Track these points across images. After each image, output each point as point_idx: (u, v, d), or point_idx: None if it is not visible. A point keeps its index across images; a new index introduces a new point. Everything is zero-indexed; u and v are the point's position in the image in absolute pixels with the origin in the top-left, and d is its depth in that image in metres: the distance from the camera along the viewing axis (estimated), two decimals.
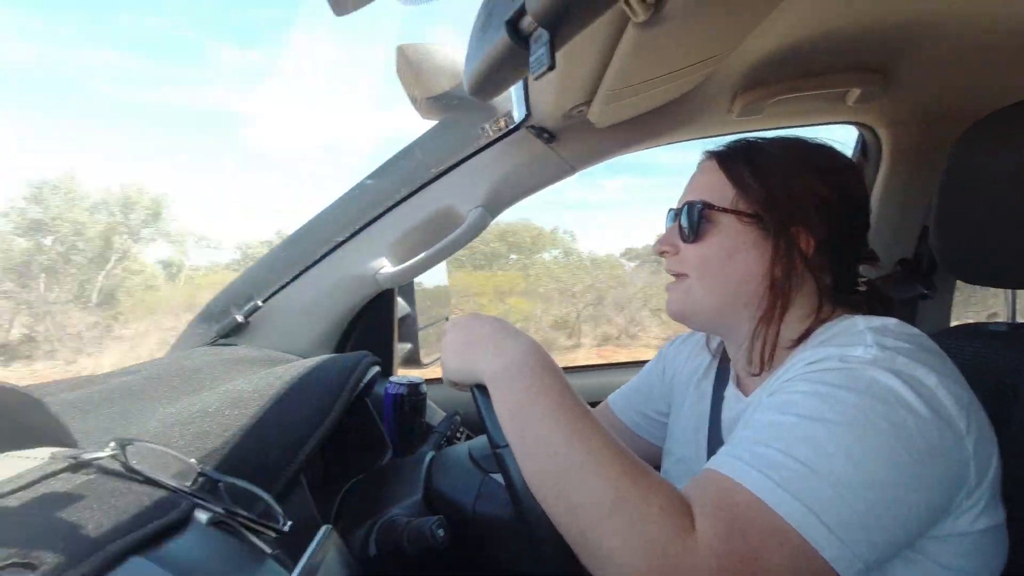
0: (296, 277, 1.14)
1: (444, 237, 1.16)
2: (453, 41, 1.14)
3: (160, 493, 0.54)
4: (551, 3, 0.36)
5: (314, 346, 1.16)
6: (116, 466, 0.55)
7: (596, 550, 0.51)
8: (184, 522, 0.53)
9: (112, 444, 0.56)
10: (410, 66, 1.14)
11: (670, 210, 0.79)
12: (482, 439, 0.89)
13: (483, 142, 1.15)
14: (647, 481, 0.52)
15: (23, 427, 0.53)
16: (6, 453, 0.52)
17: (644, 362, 1.02)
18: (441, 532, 0.70)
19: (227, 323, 1.13)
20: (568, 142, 1.16)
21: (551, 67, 0.38)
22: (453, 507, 0.80)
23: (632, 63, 0.78)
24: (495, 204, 1.19)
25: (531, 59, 0.39)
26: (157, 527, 0.49)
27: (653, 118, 1.11)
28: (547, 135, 1.14)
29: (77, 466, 0.53)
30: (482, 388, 0.63)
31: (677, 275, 0.76)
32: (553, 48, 0.37)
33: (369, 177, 1.17)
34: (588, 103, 1.00)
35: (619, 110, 1.04)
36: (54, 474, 0.51)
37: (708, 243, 0.71)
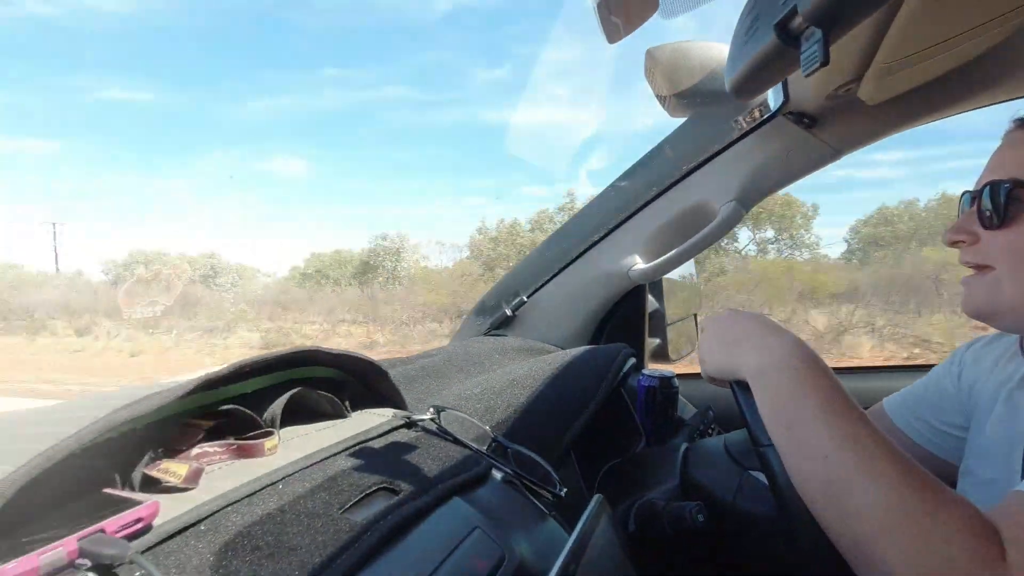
0: (556, 274, 1.25)
1: (695, 233, 1.17)
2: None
3: (465, 452, 0.67)
4: (826, 3, 0.36)
5: (571, 338, 1.27)
6: (433, 427, 0.70)
7: (874, 564, 0.49)
8: (484, 477, 0.64)
9: (431, 410, 0.70)
10: (658, 67, 1.17)
11: (965, 193, 0.69)
12: (739, 434, 0.89)
13: (735, 135, 1.13)
14: (938, 496, 0.48)
15: (375, 391, 0.70)
16: (365, 410, 0.69)
17: (929, 366, 0.90)
18: (701, 517, 0.73)
19: (498, 316, 1.30)
20: (831, 125, 1.08)
21: (824, 63, 0.38)
22: (710, 498, 0.81)
23: (915, 29, 0.70)
24: (749, 197, 1.15)
25: (802, 57, 0.40)
26: (467, 477, 0.61)
27: (940, 86, 0.96)
28: (807, 120, 1.07)
29: (410, 424, 0.68)
30: (743, 385, 0.64)
31: (978, 267, 0.66)
32: (827, 44, 0.38)
33: (620, 178, 1.24)
34: (857, 80, 0.92)
35: (897, 82, 0.93)
36: (396, 428, 0.66)
37: (1022, 229, 0.61)
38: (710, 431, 1.09)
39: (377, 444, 0.61)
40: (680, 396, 1.22)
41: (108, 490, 0.41)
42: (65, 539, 0.34)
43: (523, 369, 0.92)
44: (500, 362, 1.09)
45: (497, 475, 0.66)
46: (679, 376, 1.16)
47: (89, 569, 0.34)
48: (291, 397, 0.59)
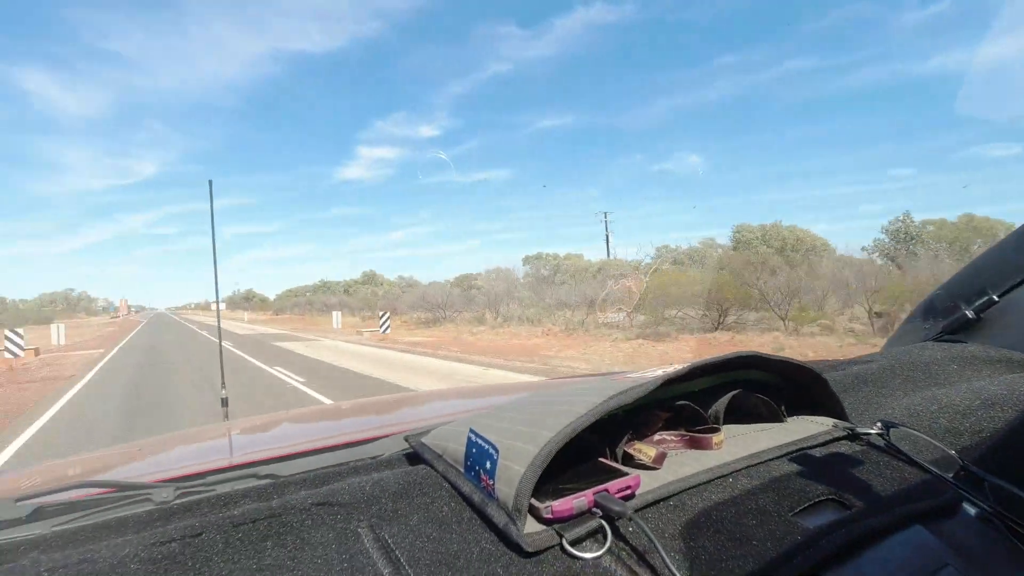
0: None
1: None
2: None
3: (922, 475, 0.60)
4: None
5: None
6: (881, 443, 0.65)
7: None
8: (952, 509, 0.57)
9: (879, 424, 0.65)
10: None
11: None
12: None
13: None
14: None
15: (811, 398, 0.69)
16: (802, 416, 0.69)
17: None
18: None
19: (955, 319, 1.08)
20: None
21: None
22: None
23: None
24: None
25: None
26: (929, 505, 0.55)
27: None
28: None
29: (853, 436, 0.65)
30: None
31: None
32: None
33: None
34: None
35: None
36: (839, 439, 0.64)
37: None
38: None
39: (818, 453, 0.61)
40: None
41: (602, 459, 0.53)
42: (585, 491, 0.46)
43: (999, 387, 0.76)
44: (960, 374, 0.92)
45: (970, 509, 0.58)
46: None
47: (600, 517, 0.45)
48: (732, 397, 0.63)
